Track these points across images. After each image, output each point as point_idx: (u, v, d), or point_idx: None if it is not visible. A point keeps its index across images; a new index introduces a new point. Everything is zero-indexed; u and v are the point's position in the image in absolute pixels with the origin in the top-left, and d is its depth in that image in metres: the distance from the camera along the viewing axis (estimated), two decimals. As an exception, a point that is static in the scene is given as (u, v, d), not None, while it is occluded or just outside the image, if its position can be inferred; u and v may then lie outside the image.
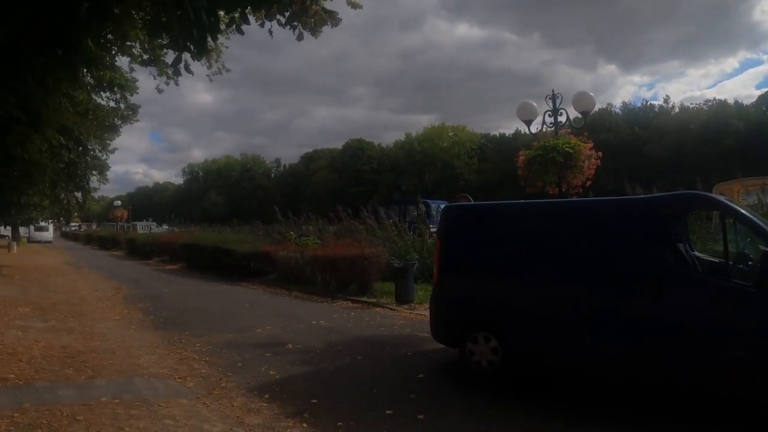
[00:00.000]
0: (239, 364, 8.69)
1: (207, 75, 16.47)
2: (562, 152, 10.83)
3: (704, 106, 69.83)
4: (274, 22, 5.03)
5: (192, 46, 4.60)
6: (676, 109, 72.51)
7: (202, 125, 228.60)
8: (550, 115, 11.65)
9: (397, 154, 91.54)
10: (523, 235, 7.48)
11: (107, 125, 18.12)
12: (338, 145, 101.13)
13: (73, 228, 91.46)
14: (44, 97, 7.82)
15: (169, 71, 13.19)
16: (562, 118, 11.58)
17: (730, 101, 68.40)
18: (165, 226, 59.89)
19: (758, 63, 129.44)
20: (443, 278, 8.40)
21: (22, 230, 54.27)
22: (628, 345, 6.29)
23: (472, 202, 12.05)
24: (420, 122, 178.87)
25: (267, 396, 7.05)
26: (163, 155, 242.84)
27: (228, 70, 17.12)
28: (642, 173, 56.00)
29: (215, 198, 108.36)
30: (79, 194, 24.34)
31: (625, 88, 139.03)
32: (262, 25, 5.10)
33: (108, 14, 5.13)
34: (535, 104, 11.87)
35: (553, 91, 11.63)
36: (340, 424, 6.03)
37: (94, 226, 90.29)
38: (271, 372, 8.18)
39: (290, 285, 18.36)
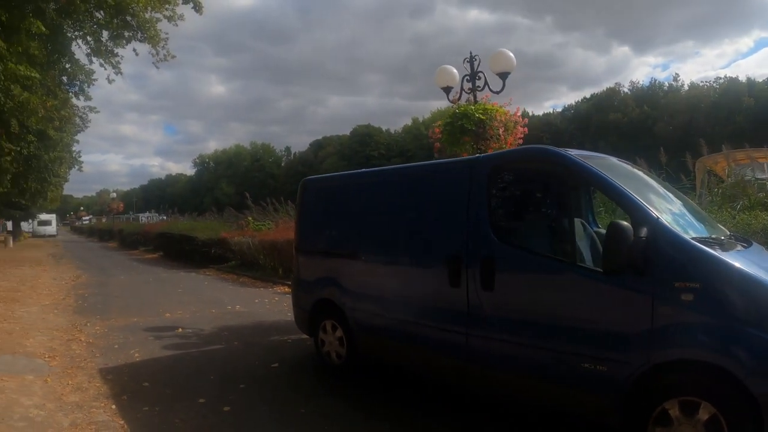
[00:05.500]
0: (116, 346, 8.50)
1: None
2: (474, 119, 9.92)
3: (714, 84, 67.65)
4: None
5: None
6: (686, 88, 70.53)
7: (216, 116, 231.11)
8: (468, 80, 10.73)
9: (405, 139, 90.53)
10: (356, 209, 6.52)
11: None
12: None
13: (85, 221, 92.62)
14: None
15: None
16: (481, 83, 10.62)
17: (742, 79, 65.72)
18: (163, 217, 59.54)
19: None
20: (298, 259, 7.60)
21: (25, 225, 54.66)
22: (455, 342, 5.06)
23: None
24: (433, 108, 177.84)
25: (110, 377, 6.82)
26: (179, 147, 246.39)
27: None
28: (653, 153, 54.47)
29: (226, 188, 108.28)
30: (41, 185, 24.43)
31: (640, 70, 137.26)
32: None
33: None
34: (455, 70, 10.95)
35: (471, 53, 10.49)
36: (146, 408, 5.68)
37: (104, 219, 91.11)
38: (136, 355, 7.96)
39: (243, 271, 17.94)
